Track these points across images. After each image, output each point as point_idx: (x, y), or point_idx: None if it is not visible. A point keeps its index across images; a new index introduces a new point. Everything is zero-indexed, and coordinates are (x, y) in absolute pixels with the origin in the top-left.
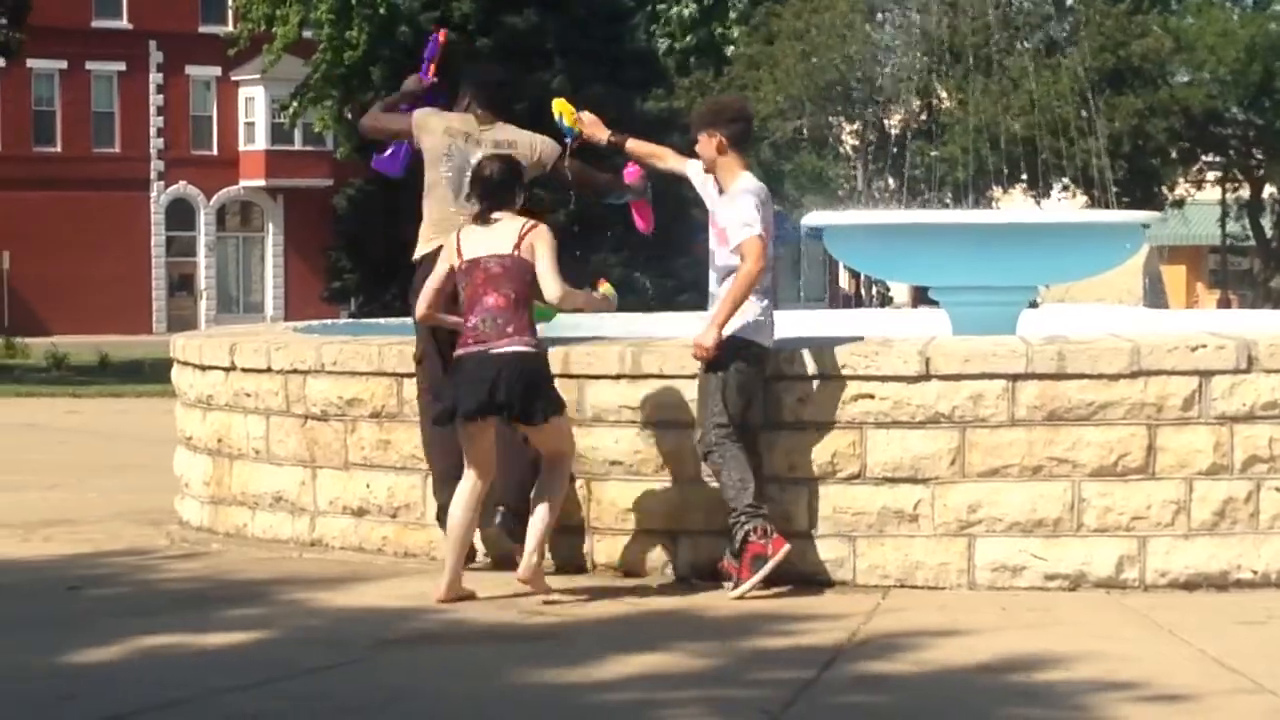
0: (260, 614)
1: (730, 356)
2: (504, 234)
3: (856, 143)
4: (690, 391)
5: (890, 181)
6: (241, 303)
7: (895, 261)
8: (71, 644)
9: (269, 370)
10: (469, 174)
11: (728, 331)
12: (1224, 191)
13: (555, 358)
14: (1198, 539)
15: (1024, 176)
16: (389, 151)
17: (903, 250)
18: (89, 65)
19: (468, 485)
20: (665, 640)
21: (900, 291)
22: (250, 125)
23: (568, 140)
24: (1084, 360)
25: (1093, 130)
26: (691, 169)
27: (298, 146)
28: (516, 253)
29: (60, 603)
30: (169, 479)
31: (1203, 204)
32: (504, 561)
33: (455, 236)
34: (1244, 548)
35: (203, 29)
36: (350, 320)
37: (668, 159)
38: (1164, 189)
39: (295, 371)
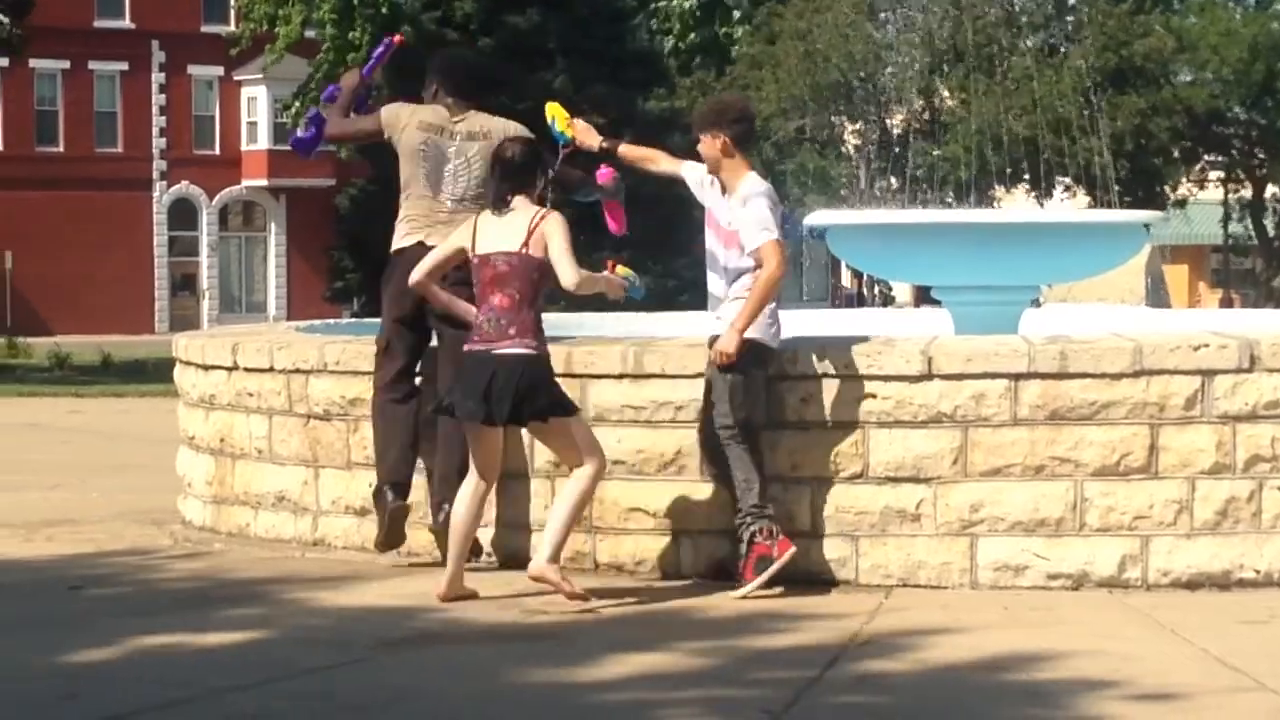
0: (262, 614)
1: (743, 359)
2: (515, 227)
3: (859, 142)
4: (693, 391)
5: (892, 181)
6: (244, 302)
7: (898, 261)
8: (72, 644)
9: (271, 370)
10: (447, 166)
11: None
12: (1226, 191)
13: (557, 357)
14: (1200, 538)
15: (1026, 176)
16: (309, 133)
17: (905, 250)
18: (91, 65)
19: (470, 484)
20: (667, 640)
21: (902, 291)
22: (253, 125)
23: (560, 146)
24: (1086, 360)
25: (1095, 130)
26: (686, 171)
27: None
28: (524, 250)
29: (62, 602)
30: (171, 479)
31: (1205, 203)
32: (509, 561)
33: (474, 222)
34: (1246, 547)
35: (205, 29)
36: (353, 320)
37: (661, 162)
38: (1166, 188)
39: (298, 371)
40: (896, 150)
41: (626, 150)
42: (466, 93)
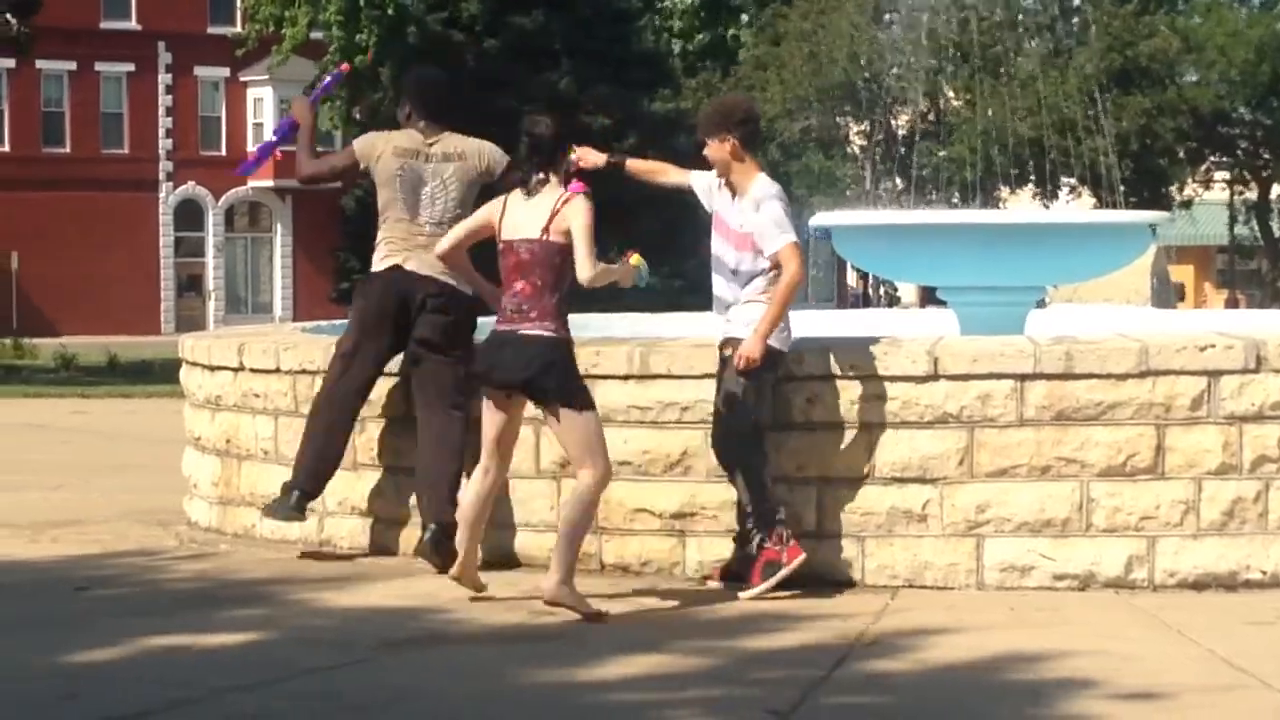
0: (266, 614)
1: (761, 364)
2: (539, 210)
3: (864, 143)
4: (699, 392)
5: (898, 182)
6: (250, 303)
7: (903, 261)
8: (76, 644)
9: (277, 371)
10: (424, 190)
11: (737, 334)
12: (1232, 192)
13: None
14: (1206, 539)
15: (1032, 177)
16: (254, 157)
17: (910, 250)
18: (98, 66)
19: (481, 469)
20: (673, 640)
21: (908, 291)
22: (259, 126)
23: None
24: (1092, 360)
25: (1100, 130)
26: (695, 180)
27: None
28: (545, 236)
29: (66, 603)
30: (177, 479)
31: (1211, 204)
32: (510, 561)
33: (504, 200)
34: (1253, 548)
35: (211, 30)
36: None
37: (669, 174)
38: (1172, 189)
39: (304, 372)
40: (902, 151)
41: (634, 165)
42: (437, 115)
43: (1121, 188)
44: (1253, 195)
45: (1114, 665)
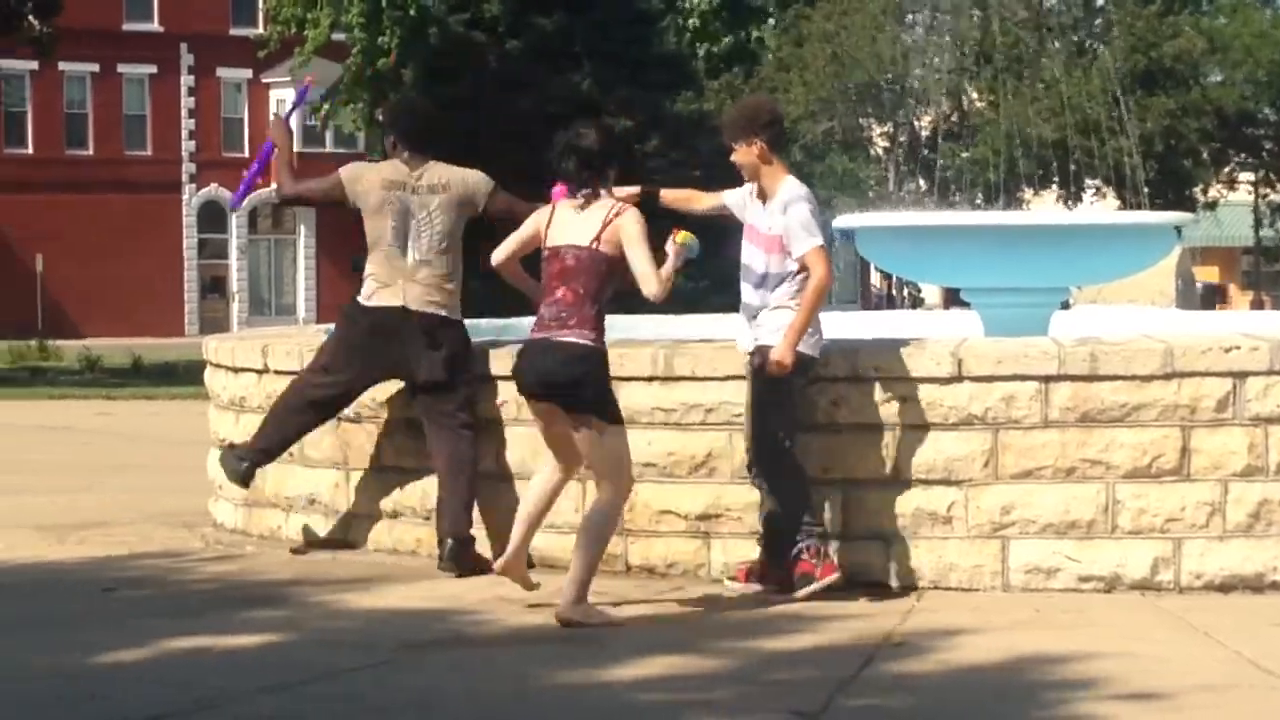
0: (291, 616)
1: (792, 369)
2: (590, 220)
3: (887, 144)
4: (723, 393)
5: (921, 183)
6: (273, 305)
7: (927, 263)
8: (102, 645)
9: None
10: (412, 222)
11: (767, 341)
12: (1257, 194)
13: None
14: (1232, 541)
15: (1055, 178)
16: (241, 190)
17: (934, 252)
18: (120, 68)
19: (544, 471)
20: (697, 641)
21: (932, 293)
22: None
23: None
24: (1117, 361)
25: (1124, 131)
26: (727, 198)
27: (329, 149)
28: (595, 246)
29: (92, 604)
30: (202, 481)
31: (1235, 206)
32: (532, 562)
33: (551, 209)
34: (1279, 549)
35: (233, 31)
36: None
37: (702, 200)
38: (1196, 190)
39: None
40: (925, 152)
41: (667, 196)
42: (421, 145)
43: (1146, 189)
44: (1278, 197)
45: (1141, 667)
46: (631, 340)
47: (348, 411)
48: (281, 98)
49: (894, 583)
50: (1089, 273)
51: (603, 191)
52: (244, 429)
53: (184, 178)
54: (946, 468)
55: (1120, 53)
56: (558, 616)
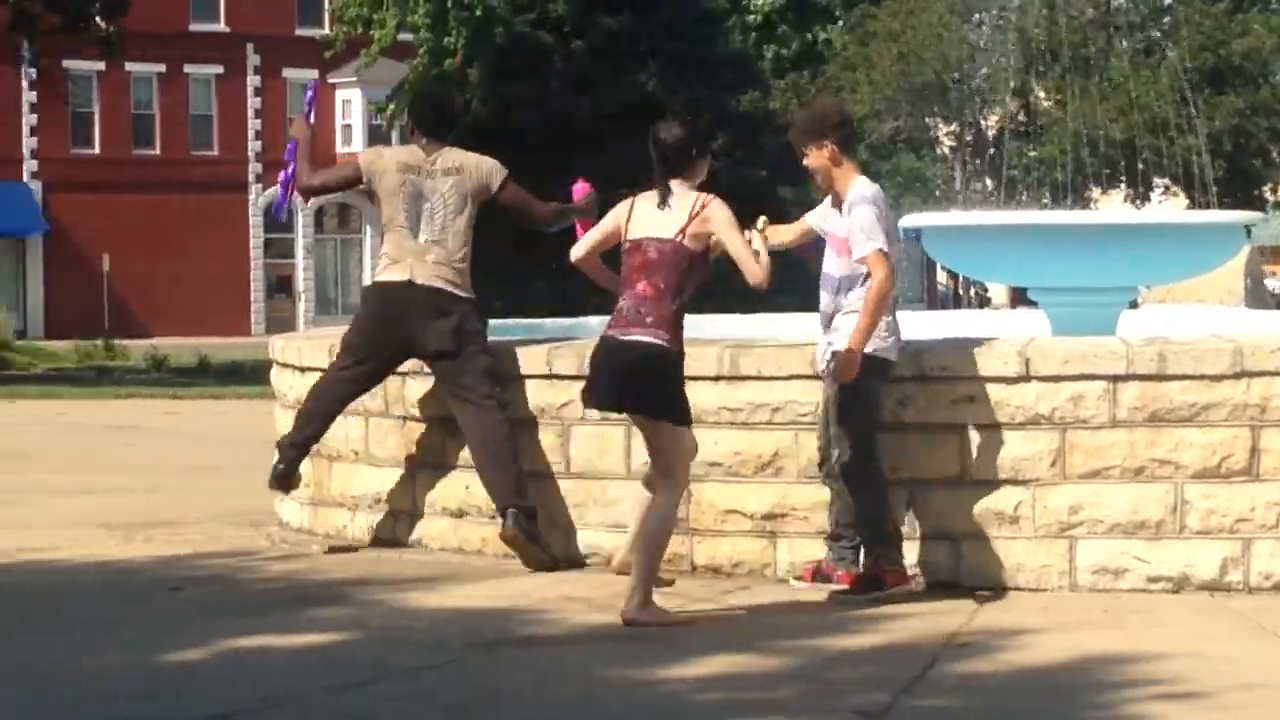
0: (357, 615)
1: (863, 373)
2: (675, 212)
3: (954, 143)
4: (789, 393)
5: (988, 182)
6: (340, 304)
7: (994, 262)
8: (168, 644)
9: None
10: (425, 205)
11: (841, 347)
12: None
13: None
14: None
15: (1123, 177)
16: (281, 196)
17: (1001, 251)
18: (187, 69)
19: (650, 471)
20: (763, 641)
21: (998, 292)
22: (347, 127)
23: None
24: (1186, 361)
25: (1192, 130)
26: (810, 219)
27: (395, 148)
28: (680, 239)
29: (159, 603)
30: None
31: None
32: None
33: (631, 203)
34: None
35: (299, 32)
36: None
37: (788, 232)
38: (1265, 190)
39: (394, 373)
40: (992, 151)
41: (772, 233)
42: (436, 131)
43: (1214, 188)
44: None
45: (1210, 668)
46: (697, 339)
47: (413, 411)
48: (348, 98)
49: (960, 582)
50: (1157, 272)
51: (684, 184)
52: None
53: (250, 178)
54: (1014, 467)
55: (1189, 51)
56: (623, 617)
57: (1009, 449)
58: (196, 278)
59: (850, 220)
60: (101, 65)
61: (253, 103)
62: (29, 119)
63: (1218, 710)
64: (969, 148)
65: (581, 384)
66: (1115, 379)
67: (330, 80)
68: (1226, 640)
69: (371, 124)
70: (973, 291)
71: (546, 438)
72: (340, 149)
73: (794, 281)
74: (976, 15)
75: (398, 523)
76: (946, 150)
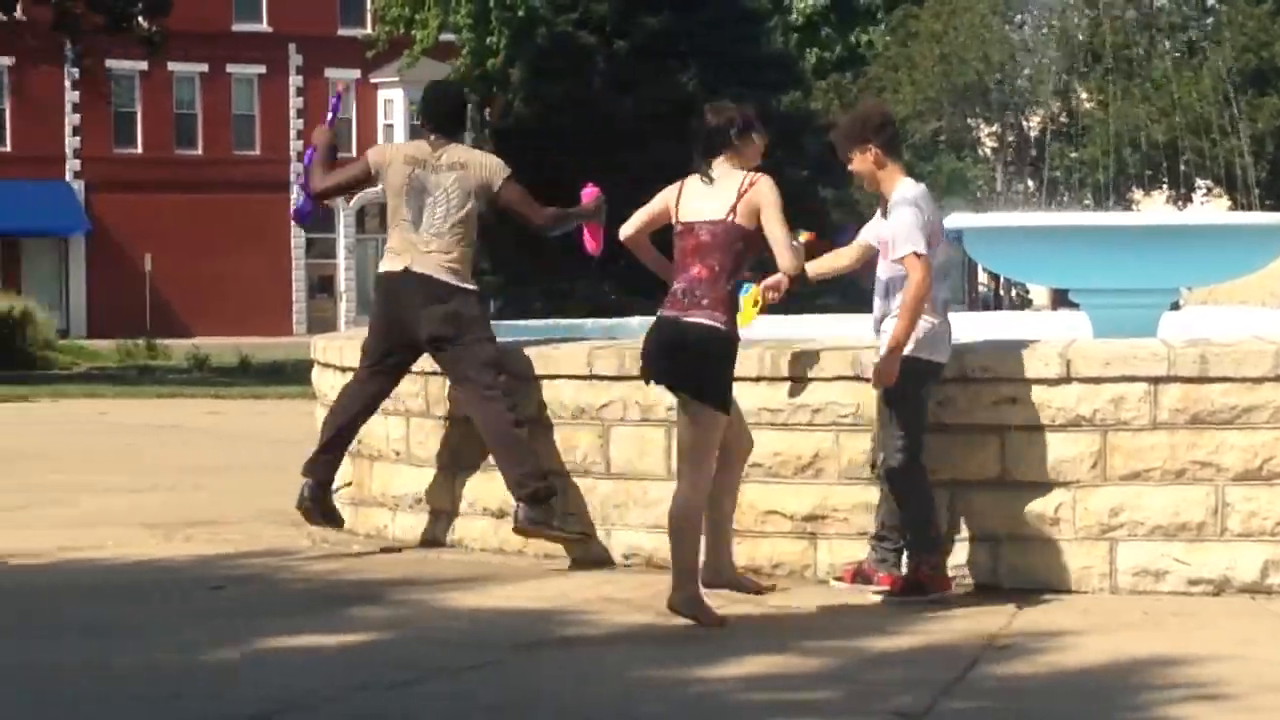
0: (398, 615)
1: (907, 377)
2: (723, 192)
3: (995, 144)
4: (829, 394)
5: (1029, 183)
6: None
7: (1035, 264)
8: (209, 643)
9: (409, 372)
10: (428, 199)
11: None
12: None
13: None
14: None
15: (1165, 179)
16: (304, 202)
17: (1043, 252)
18: (229, 68)
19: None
20: (803, 641)
21: (1040, 294)
22: (389, 127)
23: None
24: (1227, 363)
25: (1235, 131)
26: (866, 235)
27: None
28: (731, 218)
29: (200, 602)
30: None
31: None
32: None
33: (680, 184)
34: None
35: (342, 32)
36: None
37: (848, 254)
38: None
39: (435, 373)
40: (1033, 152)
41: (814, 271)
42: (445, 127)
43: (1257, 189)
44: None
45: (1252, 671)
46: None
47: (455, 411)
48: (390, 98)
49: (1000, 584)
50: (1199, 274)
51: (728, 164)
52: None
53: (292, 177)
54: (1054, 469)
55: (1231, 52)
56: (669, 603)
57: (1050, 450)
58: (238, 277)
59: (890, 222)
60: (144, 65)
61: (295, 103)
62: (72, 118)
63: (1258, 714)
64: (1010, 149)
65: (622, 384)
66: (1156, 381)
67: (372, 80)
68: (1268, 643)
69: (413, 124)
70: (1014, 293)
71: (587, 438)
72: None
73: (834, 282)
74: (1019, 16)
75: (438, 523)
76: (988, 151)
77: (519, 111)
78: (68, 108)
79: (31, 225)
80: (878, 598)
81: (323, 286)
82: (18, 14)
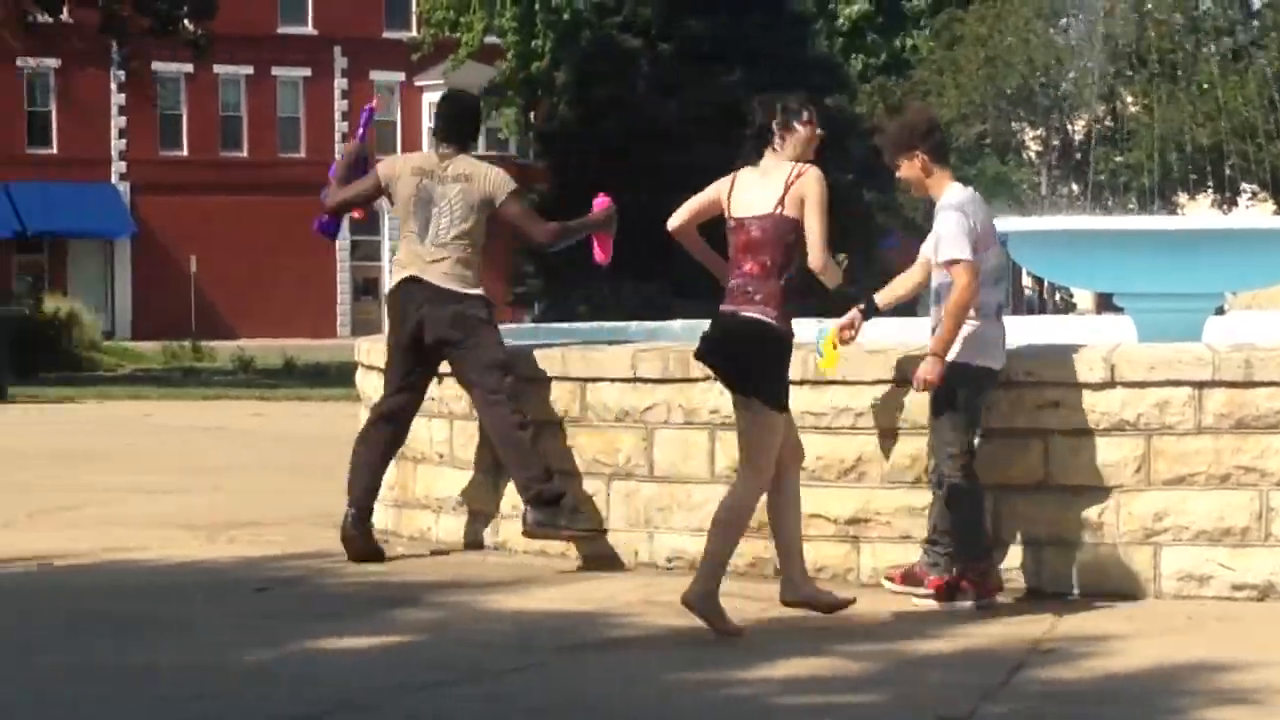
0: (441, 617)
1: (960, 383)
2: (772, 185)
3: (1040, 148)
4: (872, 398)
5: (1074, 187)
6: None
7: (1080, 268)
8: (253, 645)
9: (452, 374)
10: (434, 209)
11: (949, 358)
12: None
13: None
14: None
15: (1210, 183)
16: (326, 218)
17: (1088, 256)
18: (275, 71)
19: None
20: (845, 645)
21: (1084, 298)
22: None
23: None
24: (1273, 368)
25: None
26: (925, 253)
27: (480, 151)
28: (779, 211)
29: (242, 604)
30: None
31: None
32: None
33: (732, 178)
34: None
35: (387, 34)
36: (534, 325)
37: (911, 279)
38: None
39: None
40: (1078, 156)
41: (884, 301)
42: (454, 137)
43: None
44: None
45: None
46: None
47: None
48: (434, 101)
49: (1044, 589)
50: (1244, 278)
51: (776, 155)
52: None
53: None
54: (1098, 473)
55: (1277, 56)
56: (683, 597)
57: (1093, 455)
58: (283, 279)
59: (935, 228)
60: (190, 67)
61: (340, 105)
62: (118, 121)
63: None
64: (1055, 152)
65: (666, 387)
66: (1201, 385)
67: (417, 83)
68: None
69: None
70: (1058, 297)
71: (630, 441)
72: (426, 151)
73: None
74: (1064, 19)
75: (482, 525)
76: (1032, 155)
77: (563, 114)
78: (114, 110)
79: (78, 227)
80: (921, 602)
81: (367, 289)
82: (64, 17)
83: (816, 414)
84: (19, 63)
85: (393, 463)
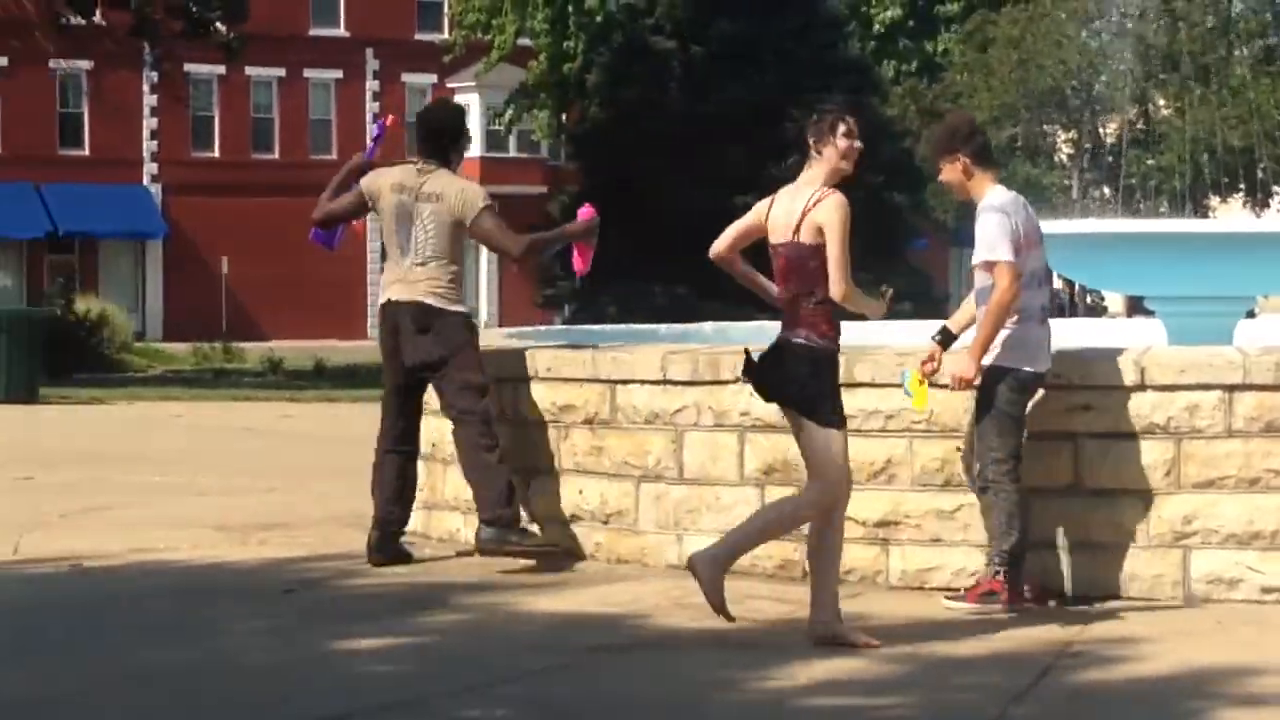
0: (472, 619)
1: (1006, 387)
2: (794, 209)
3: (1071, 151)
4: (902, 400)
5: (1105, 190)
6: None
7: (1111, 270)
8: (284, 646)
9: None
10: (413, 227)
11: (989, 360)
12: None
13: None
14: None
15: (1242, 185)
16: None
17: (1119, 259)
18: (307, 73)
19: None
20: (878, 648)
21: (1114, 301)
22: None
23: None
24: None
25: None
26: (977, 261)
27: (512, 153)
28: (795, 238)
29: (273, 605)
30: None
31: None
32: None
33: (771, 200)
34: None
35: (418, 36)
36: (565, 326)
37: (967, 313)
38: None
39: (505, 379)
40: (1110, 159)
41: (959, 327)
42: (434, 152)
43: None
44: None
45: None
46: None
47: (525, 415)
48: (466, 103)
49: (1073, 592)
50: (1276, 281)
51: (812, 172)
52: (424, 433)
53: None
54: (1128, 477)
55: None
56: (689, 560)
57: (1123, 458)
58: (313, 281)
59: (976, 229)
60: (222, 69)
61: (371, 107)
62: (149, 122)
63: None
64: (1087, 155)
65: (695, 389)
66: (1231, 389)
67: (449, 85)
68: None
69: (489, 129)
70: (1088, 299)
71: (659, 443)
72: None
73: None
74: (1096, 22)
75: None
76: (1064, 158)
77: (595, 116)
78: (146, 112)
79: (109, 228)
80: (950, 605)
81: None
82: (97, 19)
83: (847, 416)
84: (51, 64)
85: (421, 463)
